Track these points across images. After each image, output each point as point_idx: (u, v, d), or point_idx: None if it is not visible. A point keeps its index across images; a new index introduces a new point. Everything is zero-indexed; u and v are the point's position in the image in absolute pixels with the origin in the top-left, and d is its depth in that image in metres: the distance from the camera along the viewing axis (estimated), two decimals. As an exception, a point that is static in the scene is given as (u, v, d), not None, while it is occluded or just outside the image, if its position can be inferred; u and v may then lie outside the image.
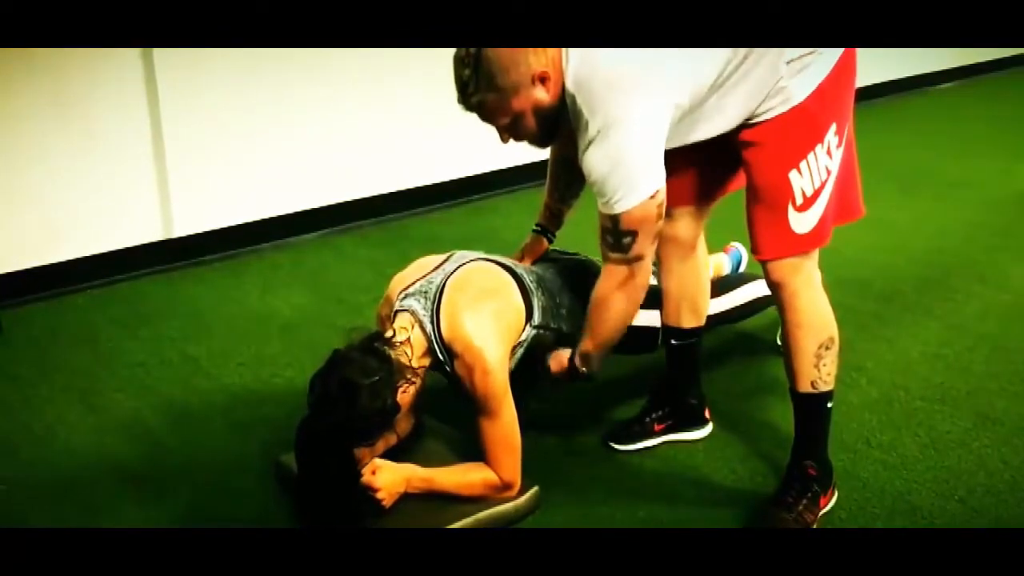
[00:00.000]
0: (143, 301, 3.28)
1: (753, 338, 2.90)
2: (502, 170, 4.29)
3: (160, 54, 3.29)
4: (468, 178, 4.27)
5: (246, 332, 3.04)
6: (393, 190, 4.07)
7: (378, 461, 2.03)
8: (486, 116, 1.95)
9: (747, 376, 2.73)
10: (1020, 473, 2.27)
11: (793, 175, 1.93)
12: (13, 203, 3.19)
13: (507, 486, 2.09)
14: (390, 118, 3.97)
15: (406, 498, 2.05)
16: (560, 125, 1.96)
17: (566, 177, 2.36)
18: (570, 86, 1.87)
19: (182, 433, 2.48)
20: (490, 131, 2.00)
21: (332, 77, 3.75)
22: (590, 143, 1.85)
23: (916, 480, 2.26)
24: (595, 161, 1.86)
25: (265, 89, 3.60)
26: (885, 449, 2.38)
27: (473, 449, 2.10)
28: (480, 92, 1.89)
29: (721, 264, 2.88)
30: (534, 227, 2.45)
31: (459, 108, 1.95)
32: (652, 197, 1.87)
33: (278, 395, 2.65)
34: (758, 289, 2.66)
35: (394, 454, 2.10)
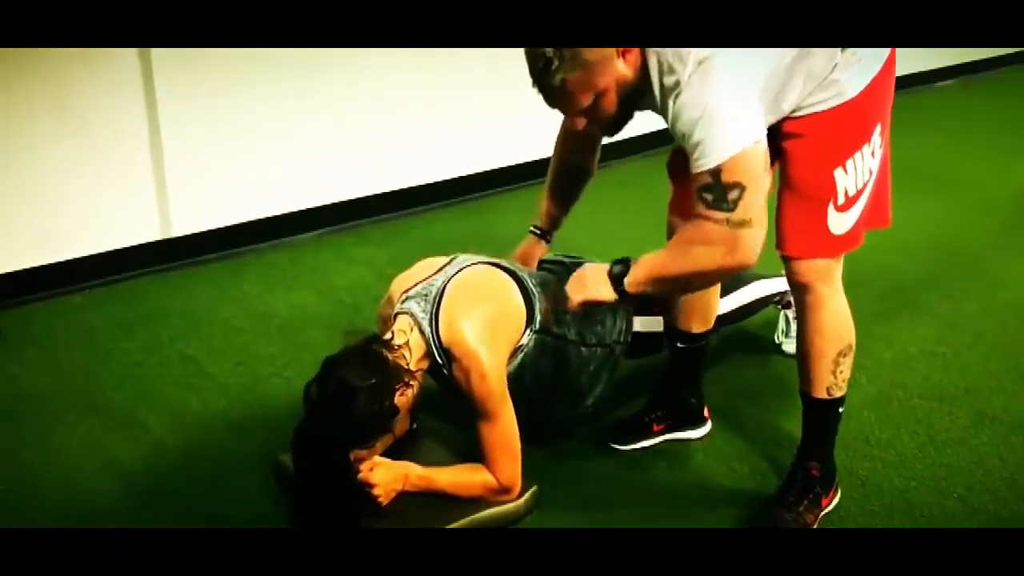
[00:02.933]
0: (141, 301, 3.27)
1: (752, 337, 2.90)
2: (501, 169, 4.27)
3: (158, 54, 3.29)
4: (467, 177, 4.26)
5: (244, 332, 3.04)
6: (392, 189, 4.07)
7: (376, 458, 2.03)
8: (566, 97, 1.78)
9: (746, 375, 2.73)
10: (1018, 470, 2.28)
11: (838, 173, 1.88)
12: (10, 204, 3.18)
13: (505, 490, 2.08)
14: (389, 117, 3.96)
15: (405, 497, 2.05)
16: (634, 107, 1.85)
17: (567, 187, 2.34)
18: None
19: (180, 433, 2.48)
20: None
21: (331, 76, 3.74)
22: (682, 92, 1.70)
23: (915, 478, 2.26)
24: (689, 108, 1.69)
25: (263, 88, 3.59)
26: (884, 447, 2.38)
27: (474, 449, 2.10)
28: (564, 69, 1.73)
29: None
30: (532, 228, 2.41)
31: (533, 91, 1.80)
32: (756, 143, 1.70)
33: (277, 395, 2.65)
34: (761, 289, 2.65)
35: (392, 453, 2.10)
